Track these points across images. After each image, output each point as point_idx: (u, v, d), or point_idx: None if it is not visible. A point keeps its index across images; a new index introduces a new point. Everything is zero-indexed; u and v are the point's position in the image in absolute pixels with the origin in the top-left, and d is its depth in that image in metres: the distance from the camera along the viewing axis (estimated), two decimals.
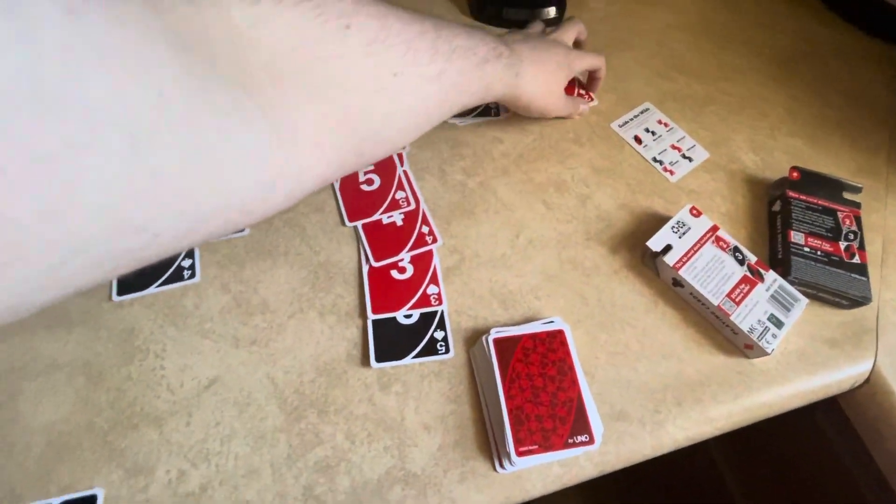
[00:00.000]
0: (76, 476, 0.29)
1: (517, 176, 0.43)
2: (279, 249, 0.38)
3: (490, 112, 0.47)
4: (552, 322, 0.36)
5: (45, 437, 0.30)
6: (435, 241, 0.39)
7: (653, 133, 0.47)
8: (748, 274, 0.37)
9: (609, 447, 0.32)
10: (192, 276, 0.36)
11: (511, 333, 0.34)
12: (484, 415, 0.33)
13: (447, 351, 0.35)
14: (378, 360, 0.34)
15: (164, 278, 0.36)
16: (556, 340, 0.35)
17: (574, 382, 0.33)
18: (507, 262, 0.39)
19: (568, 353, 0.34)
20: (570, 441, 0.31)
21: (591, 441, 0.31)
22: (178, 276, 0.36)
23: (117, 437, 0.31)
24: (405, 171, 0.42)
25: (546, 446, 0.31)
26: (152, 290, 0.35)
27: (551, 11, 0.54)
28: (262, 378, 0.33)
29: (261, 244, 0.38)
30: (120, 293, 0.35)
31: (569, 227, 0.41)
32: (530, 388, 0.32)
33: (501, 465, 0.31)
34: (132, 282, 0.36)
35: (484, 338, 0.34)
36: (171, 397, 0.32)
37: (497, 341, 0.34)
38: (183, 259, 0.37)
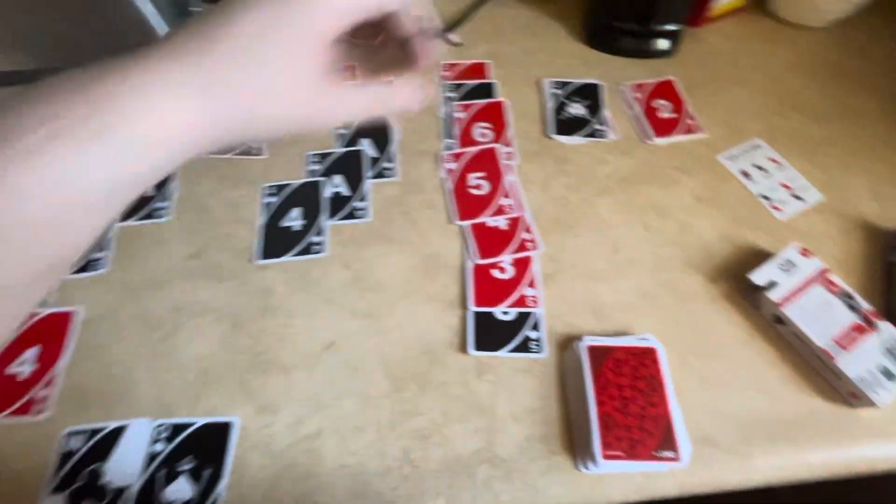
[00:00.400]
0: (217, 403, 0.35)
1: (619, 197, 0.45)
2: (395, 238, 0.42)
3: (597, 134, 0.49)
4: (645, 339, 0.37)
5: (197, 365, 0.36)
6: (536, 247, 0.42)
7: (762, 169, 0.47)
8: (860, 321, 0.36)
9: (695, 469, 0.32)
10: (320, 251, 0.41)
11: (605, 343, 0.36)
12: (571, 416, 0.35)
13: (540, 351, 0.37)
14: (476, 348, 0.37)
15: (297, 250, 0.41)
16: (648, 357, 0.36)
17: (664, 399, 0.34)
18: (603, 277, 0.41)
19: (659, 371, 0.35)
20: (657, 454, 0.32)
21: (677, 458, 0.32)
22: (308, 250, 0.41)
23: (251, 378, 0.36)
24: (512, 181, 0.45)
25: (632, 455, 0.32)
26: (287, 258, 0.41)
27: (664, 44, 0.55)
28: (372, 348, 0.37)
29: (379, 231, 0.43)
30: (263, 258, 0.41)
31: (667, 251, 0.42)
32: (619, 397, 0.34)
33: (585, 466, 0.33)
34: (272, 249, 0.41)
35: (577, 343, 0.36)
36: (295, 352, 0.37)
37: (591, 349, 0.36)
38: (314, 236, 0.42)
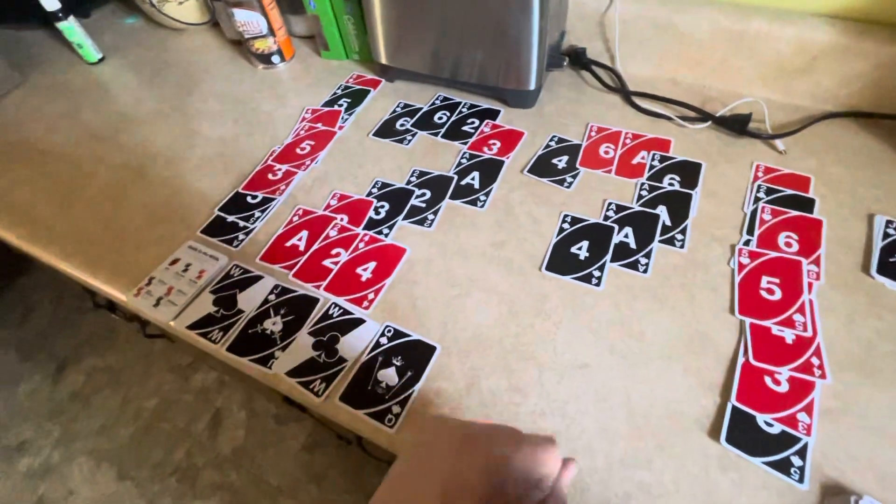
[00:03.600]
0: (480, 365, 0.42)
1: None
2: (668, 302, 0.45)
3: None
4: None
5: (475, 329, 0.44)
6: (823, 377, 0.39)
7: None
8: None
9: None
10: (598, 284, 0.46)
11: None
12: None
13: (801, 481, 0.34)
14: (728, 441, 0.36)
15: (578, 275, 0.47)
16: None
17: None
18: None
19: None
20: None
21: None
22: (587, 279, 0.47)
23: (512, 360, 0.42)
24: (811, 300, 0.43)
25: None
26: (568, 278, 0.47)
27: None
28: (620, 388, 0.40)
29: (654, 290, 0.46)
30: (548, 269, 0.48)
31: None
32: None
33: None
34: (557, 265, 0.48)
35: (854, 498, 0.33)
36: (553, 357, 0.42)
37: None
38: (595, 270, 0.47)
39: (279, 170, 0.61)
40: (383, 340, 0.44)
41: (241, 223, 0.55)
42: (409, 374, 0.42)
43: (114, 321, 1.45)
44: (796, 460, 0.35)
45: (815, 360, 0.40)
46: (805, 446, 0.36)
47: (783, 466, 0.35)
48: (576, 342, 0.43)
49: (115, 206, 0.59)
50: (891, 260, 0.45)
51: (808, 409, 0.38)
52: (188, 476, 1.19)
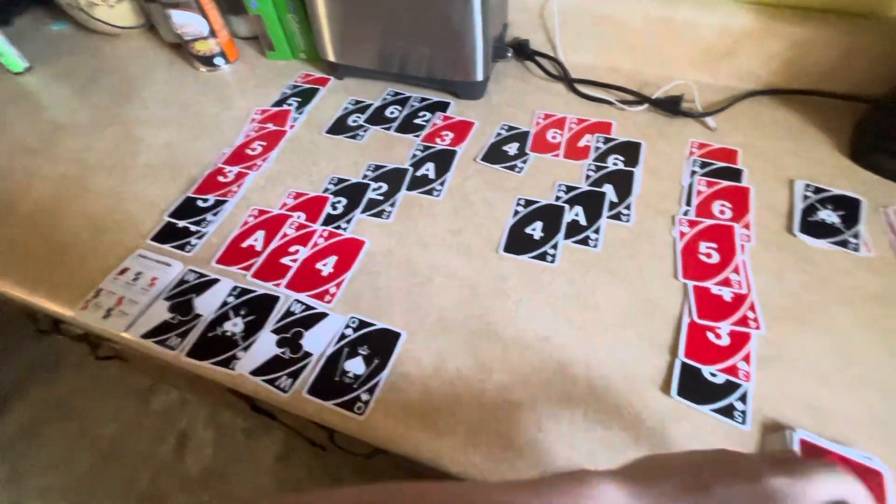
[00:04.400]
0: (445, 347, 0.43)
1: (862, 313, 0.43)
2: (619, 273, 0.47)
3: (848, 245, 0.48)
4: (870, 459, 0.35)
5: (439, 314, 0.45)
6: (758, 328, 0.42)
7: None
8: None
9: None
10: (553, 261, 0.48)
11: (820, 444, 0.35)
12: None
13: (744, 423, 0.38)
14: (679, 394, 0.39)
15: (533, 254, 0.49)
16: (871, 479, 0.34)
17: None
18: (828, 383, 0.39)
19: (884, 499, 0.33)
20: None
21: None
22: (542, 257, 0.49)
23: (476, 340, 0.44)
24: (744, 261, 0.47)
25: None
26: (524, 258, 0.49)
27: None
28: (580, 356, 0.42)
29: (606, 263, 0.48)
30: (505, 251, 0.49)
31: None
32: None
33: None
34: (513, 246, 0.50)
35: (789, 432, 0.36)
36: (515, 332, 0.44)
37: (804, 443, 0.35)
38: (550, 248, 0.49)
39: (230, 172, 0.59)
40: (348, 332, 0.44)
41: (194, 228, 0.54)
42: (376, 361, 0.42)
43: (61, 346, 1.36)
44: (739, 405, 0.39)
45: (750, 314, 0.43)
46: (746, 392, 0.39)
47: (728, 412, 0.38)
48: (536, 317, 0.45)
49: (55, 219, 0.56)
50: (810, 220, 0.50)
51: (747, 359, 0.41)
52: (155, 503, 1.13)
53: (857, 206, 0.51)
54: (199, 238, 0.53)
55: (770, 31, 0.59)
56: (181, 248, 0.52)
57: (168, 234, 0.53)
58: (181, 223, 0.54)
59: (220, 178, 0.59)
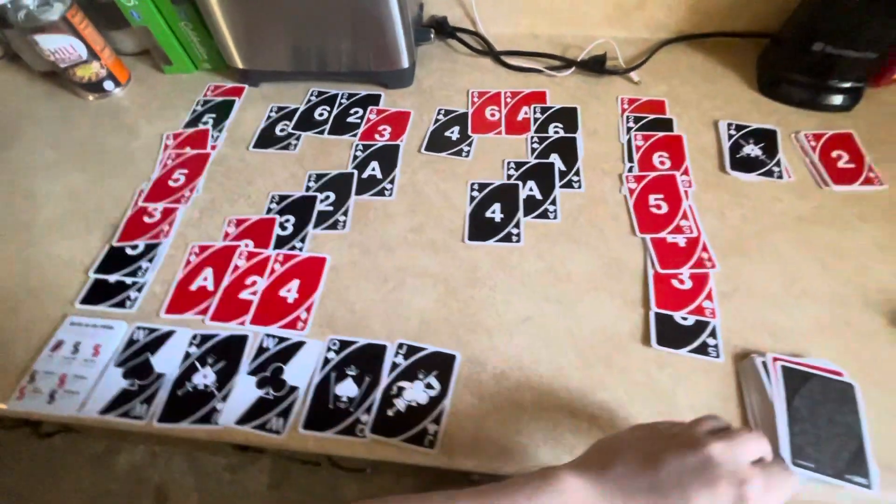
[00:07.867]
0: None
1: (794, 234, 0.48)
2: (582, 240, 0.49)
3: (773, 174, 0.52)
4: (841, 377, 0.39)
5: (419, 316, 0.45)
6: (713, 266, 0.46)
7: None
8: None
9: (884, 496, 0.34)
10: (519, 241, 0.49)
11: (799, 368, 0.39)
12: (749, 416, 0.38)
13: (718, 356, 0.41)
14: (658, 343, 0.42)
15: (498, 237, 0.49)
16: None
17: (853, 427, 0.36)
18: (779, 304, 0.44)
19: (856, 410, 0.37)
20: (846, 476, 0.34)
21: (867, 484, 0.34)
22: (508, 239, 0.49)
23: (463, 334, 0.43)
24: (690, 206, 0.50)
25: (820, 468, 0.34)
26: (491, 242, 0.49)
27: (841, 99, 0.58)
28: (563, 328, 0.43)
29: (568, 232, 0.49)
30: (470, 239, 0.49)
31: (846, 290, 0.44)
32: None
33: None
34: (477, 233, 0.49)
35: (758, 358, 0.40)
36: (498, 319, 0.44)
37: (776, 361, 0.39)
38: (513, 228, 0.49)
39: (155, 210, 0.54)
40: (331, 355, 0.42)
41: (129, 280, 0.48)
42: (368, 379, 0.41)
43: None
44: (711, 341, 0.42)
45: (704, 255, 0.47)
46: (714, 327, 0.42)
47: (703, 349, 0.41)
48: (514, 300, 0.45)
49: None
50: (737, 156, 0.54)
51: (710, 296, 0.44)
52: None
53: (773, 136, 0.55)
54: (139, 290, 0.48)
55: None
56: (120, 305, 0.47)
57: (100, 293, 0.48)
58: (112, 277, 0.48)
59: (146, 219, 0.53)
